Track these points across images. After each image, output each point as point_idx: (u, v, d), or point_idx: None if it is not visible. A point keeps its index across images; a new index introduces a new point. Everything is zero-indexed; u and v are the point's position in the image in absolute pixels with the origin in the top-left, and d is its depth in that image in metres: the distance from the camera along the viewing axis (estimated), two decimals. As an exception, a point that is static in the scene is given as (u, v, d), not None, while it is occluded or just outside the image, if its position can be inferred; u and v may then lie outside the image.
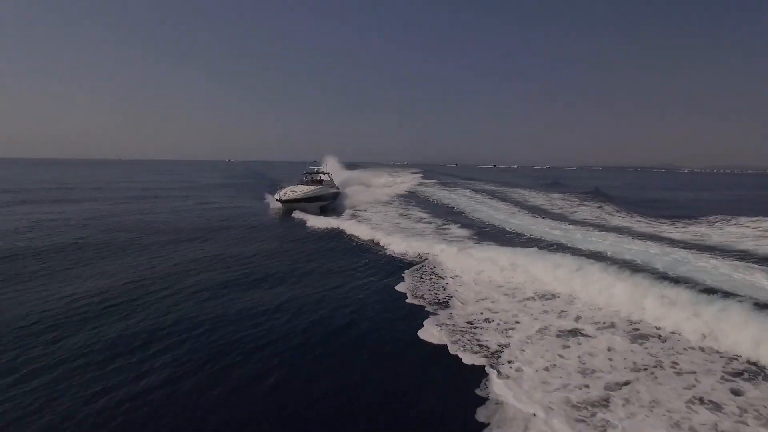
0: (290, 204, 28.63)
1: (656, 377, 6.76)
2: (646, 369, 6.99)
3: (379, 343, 8.45)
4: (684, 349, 7.74)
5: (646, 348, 7.77)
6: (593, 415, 5.94)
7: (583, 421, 5.80)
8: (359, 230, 20.58)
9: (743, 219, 21.51)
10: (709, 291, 9.33)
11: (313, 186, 31.46)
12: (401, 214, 28.14)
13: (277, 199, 28.91)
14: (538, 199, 37.38)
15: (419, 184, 58.21)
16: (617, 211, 28.35)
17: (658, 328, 8.55)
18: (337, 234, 20.75)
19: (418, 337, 8.63)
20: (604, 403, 6.20)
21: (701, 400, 6.16)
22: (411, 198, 38.77)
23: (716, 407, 6.00)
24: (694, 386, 6.52)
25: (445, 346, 8.17)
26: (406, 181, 59.26)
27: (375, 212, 29.30)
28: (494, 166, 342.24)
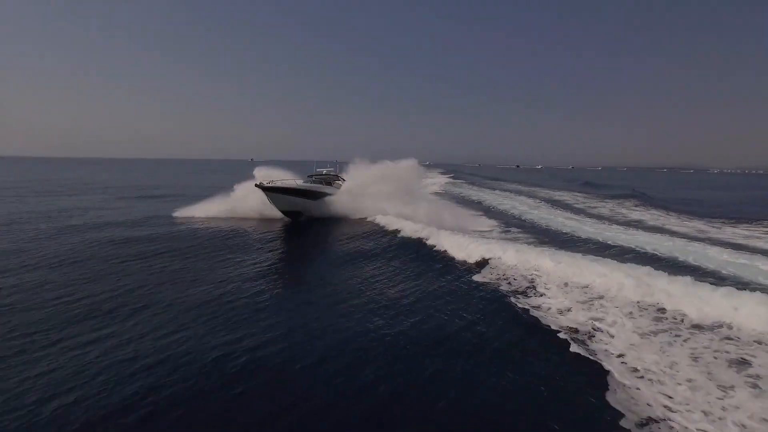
0: (274, 196, 22.01)
1: (624, 286, 11.00)
2: (620, 283, 11.21)
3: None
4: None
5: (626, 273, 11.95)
6: (592, 304, 10.26)
7: (586, 309, 10.06)
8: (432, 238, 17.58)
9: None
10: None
11: (318, 185, 25.46)
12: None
13: (256, 185, 21.67)
14: (594, 204, 36.48)
15: (447, 183, 61.13)
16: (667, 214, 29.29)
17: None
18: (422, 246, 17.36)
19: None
20: (599, 299, 10.53)
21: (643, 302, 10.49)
22: (449, 199, 37.65)
23: (660, 311, 10.24)
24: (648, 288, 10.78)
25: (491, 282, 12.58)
26: (436, 182, 61.31)
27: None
28: (518, 166, 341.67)
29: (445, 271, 13.89)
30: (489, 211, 29.64)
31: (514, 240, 18.45)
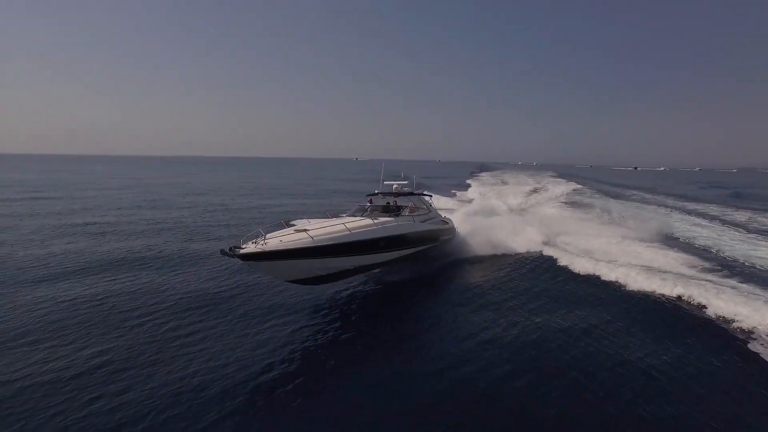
0: (267, 265, 11.78)
1: None
2: None
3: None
4: None
5: None
6: None
7: None
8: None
9: None
10: None
11: (367, 221, 14.89)
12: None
13: (226, 251, 11.13)
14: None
15: (575, 191, 56.67)
16: None
17: None
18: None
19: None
20: None
21: None
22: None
23: None
24: None
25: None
26: (559, 191, 54.90)
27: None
28: (636, 168, 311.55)
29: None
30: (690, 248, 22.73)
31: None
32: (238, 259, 11.16)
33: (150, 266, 17.69)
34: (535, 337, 11.51)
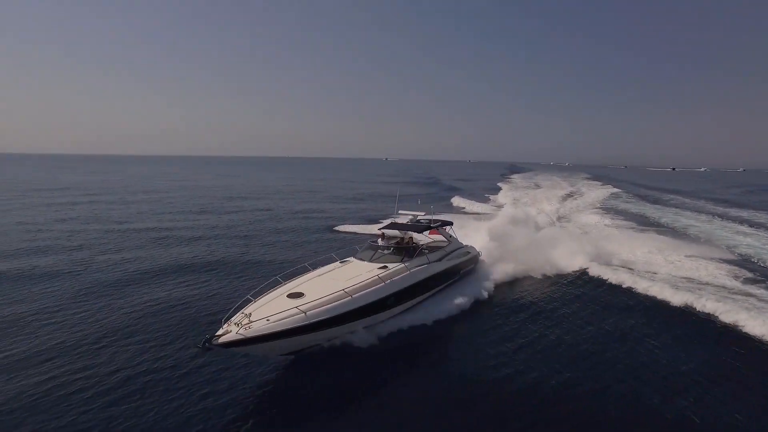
0: (257, 347, 10.31)
1: None
2: None
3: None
4: None
5: None
6: None
7: None
8: None
9: None
10: None
11: (372, 277, 13.28)
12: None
13: (200, 346, 9.35)
14: None
15: (612, 195, 56.26)
16: None
17: None
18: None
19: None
20: None
21: None
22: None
23: None
24: None
25: None
26: (594, 196, 54.26)
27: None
28: (673, 169, 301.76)
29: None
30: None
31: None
32: (219, 349, 9.58)
33: (217, 271, 19.24)
34: (589, 347, 12.30)
